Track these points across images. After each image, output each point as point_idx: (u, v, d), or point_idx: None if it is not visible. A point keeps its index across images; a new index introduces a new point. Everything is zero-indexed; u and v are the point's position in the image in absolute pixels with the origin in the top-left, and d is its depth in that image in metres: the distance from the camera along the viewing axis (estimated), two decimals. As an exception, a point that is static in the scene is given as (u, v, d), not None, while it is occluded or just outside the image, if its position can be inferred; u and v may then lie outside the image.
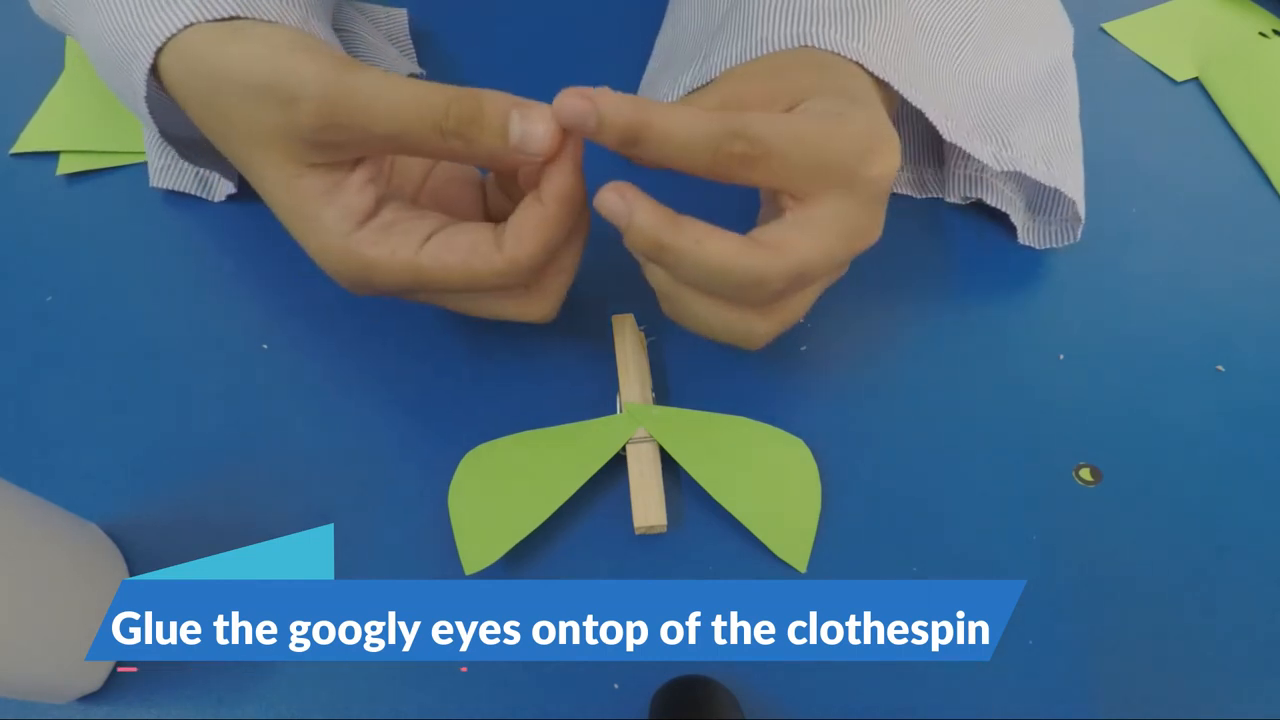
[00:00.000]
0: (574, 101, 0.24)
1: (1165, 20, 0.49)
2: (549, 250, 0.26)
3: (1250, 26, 0.48)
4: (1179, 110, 0.44)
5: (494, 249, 0.26)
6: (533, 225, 0.26)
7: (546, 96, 0.42)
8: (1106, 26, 0.48)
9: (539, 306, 0.28)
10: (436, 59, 0.43)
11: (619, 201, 0.25)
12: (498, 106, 0.25)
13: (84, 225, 0.37)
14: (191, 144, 0.34)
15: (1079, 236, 0.36)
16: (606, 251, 0.36)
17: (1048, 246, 0.37)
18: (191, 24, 0.26)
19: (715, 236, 0.25)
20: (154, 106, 0.30)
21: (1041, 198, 0.37)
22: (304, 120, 0.24)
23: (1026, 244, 0.37)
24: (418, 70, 0.41)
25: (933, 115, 0.31)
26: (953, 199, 0.38)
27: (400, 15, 0.44)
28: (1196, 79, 0.45)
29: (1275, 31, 0.48)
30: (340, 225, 0.26)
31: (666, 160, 0.25)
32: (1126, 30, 0.48)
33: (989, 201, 0.37)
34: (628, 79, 0.43)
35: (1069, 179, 0.34)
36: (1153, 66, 0.46)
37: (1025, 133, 0.35)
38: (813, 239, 0.25)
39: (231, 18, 0.27)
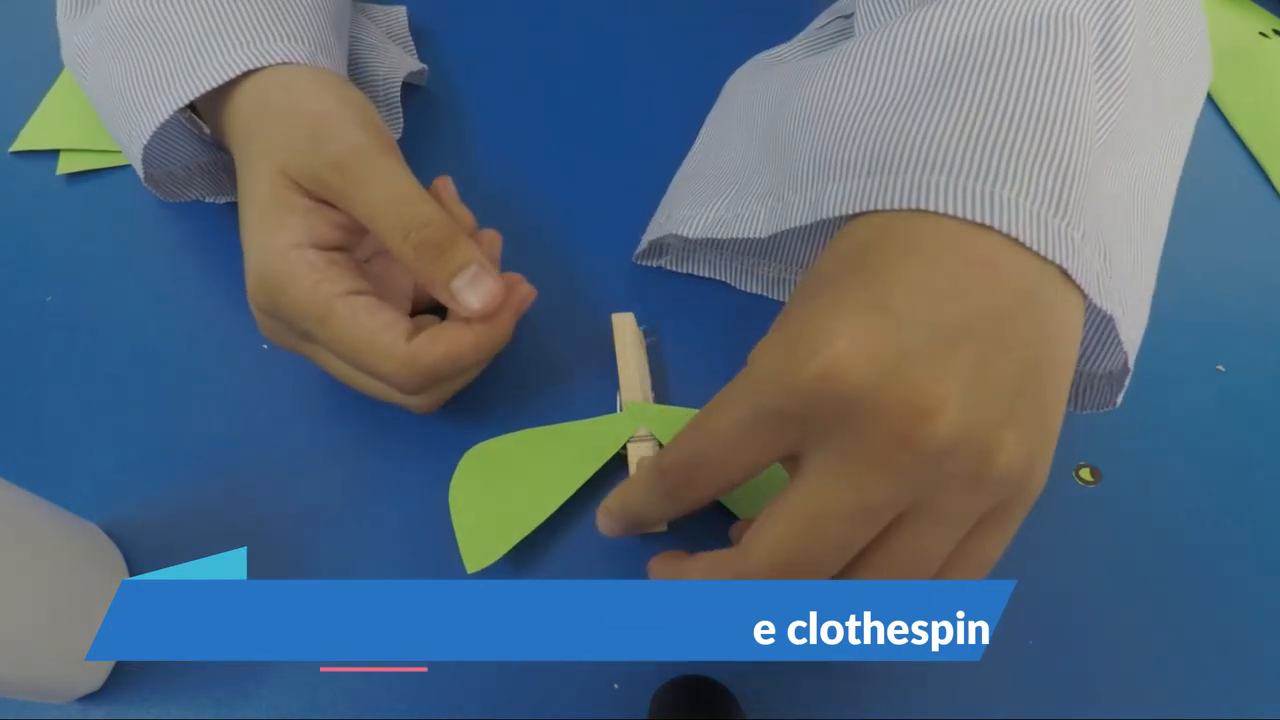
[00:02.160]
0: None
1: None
2: (453, 367, 0.27)
3: (1250, 26, 0.48)
4: (1179, 110, 0.44)
5: (402, 339, 0.26)
6: (449, 338, 0.26)
7: (543, 88, 0.42)
8: (1106, 26, 0.48)
9: (419, 401, 0.28)
10: (435, 55, 0.43)
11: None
12: (463, 254, 0.26)
13: (84, 225, 0.37)
14: (176, 179, 0.36)
15: (1118, 401, 0.27)
16: (606, 252, 0.36)
17: (1083, 411, 0.29)
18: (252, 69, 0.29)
19: (695, 567, 0.23)
20: (167, 138, 0.33)
21: (1085, 349, 0.27)
22: (318, 161, 0.26)
23: (1082, 412, 0.30)
24: (420, 66, 0.41)
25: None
26: None
27: (399, 12, 0.44)
28: (1196, 79, 0.45)
29: (1275, 31, 0.48)
30: (294, 236, 0.26)
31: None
32: (1126, 30, 0.48)
33: None
34: (622, 72, 0.43)
35: (1135, 329, 0.24)
36: (1153, 66, 0.46)
37: (1119, 254, 0.23)
38: (769, 520, 0.21)
39: (250, 71, 0.29)
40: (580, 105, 0.42)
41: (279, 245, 0.26)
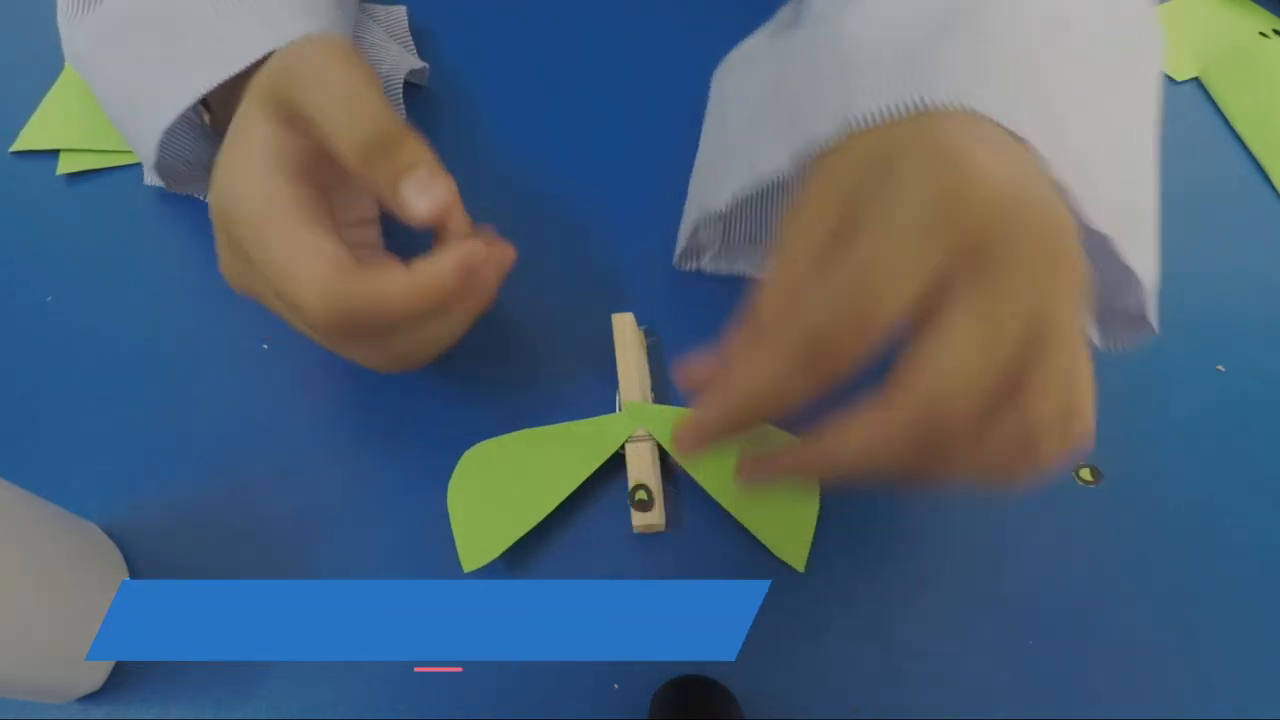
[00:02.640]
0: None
1: (1165, 20, 0.49)
2: (377, 313, 0.24)
3: (1250, 26, 0.48)
4: (1179, 110, 0.44)
5: (329, 268, 0.24)
6: (380, 280, 0.24)
7: (544, 87, 0.42)
8: (1106, 26, 0.48)
9: (362, 353, 0.26)
10: (435, 54, 0.43)
11: (758, 473, 0.23)
12: (412, 153, 0.25)
13: (84, 225, 0.37)
14: (178, 175, 0.35)
15: (1156, 328, 0.28)
16: (606, 252, 0.36)
17: (1109, 348, 0.31)
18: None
19: (852, 426, 0.20)
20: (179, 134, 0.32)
21: (1103, 286, 0.28)
22: (277, 73, 0.26)
23: (1108, 349, 0.31)
24: (421, 64, 0.41)
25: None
26: None
27: (400, 12, 0.44)
28: (1196, 79, 0.45)
29: (1275, 31, 0.48)
30: (255, 143, 0.25)
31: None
32: (1126, 30, 0.48)
33: None
34: (623, 71, 0.43)
35: (1139, 255, 0.26)
36: (1153, 66, 0.46)
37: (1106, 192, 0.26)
38: (933, 347, 0.19)
39: (266, 56, 0.28)
40: (581, 104, 0.42)
41: (239, 153, 0.25)
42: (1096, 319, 0.30)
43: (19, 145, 0.40)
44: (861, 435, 0.20)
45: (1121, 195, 0.26)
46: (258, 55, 0.28)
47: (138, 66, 0.30)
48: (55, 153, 0.39)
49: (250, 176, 0.25)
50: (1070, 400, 0.20)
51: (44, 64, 0.42)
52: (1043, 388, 0.19)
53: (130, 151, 0.39)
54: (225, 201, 0.25)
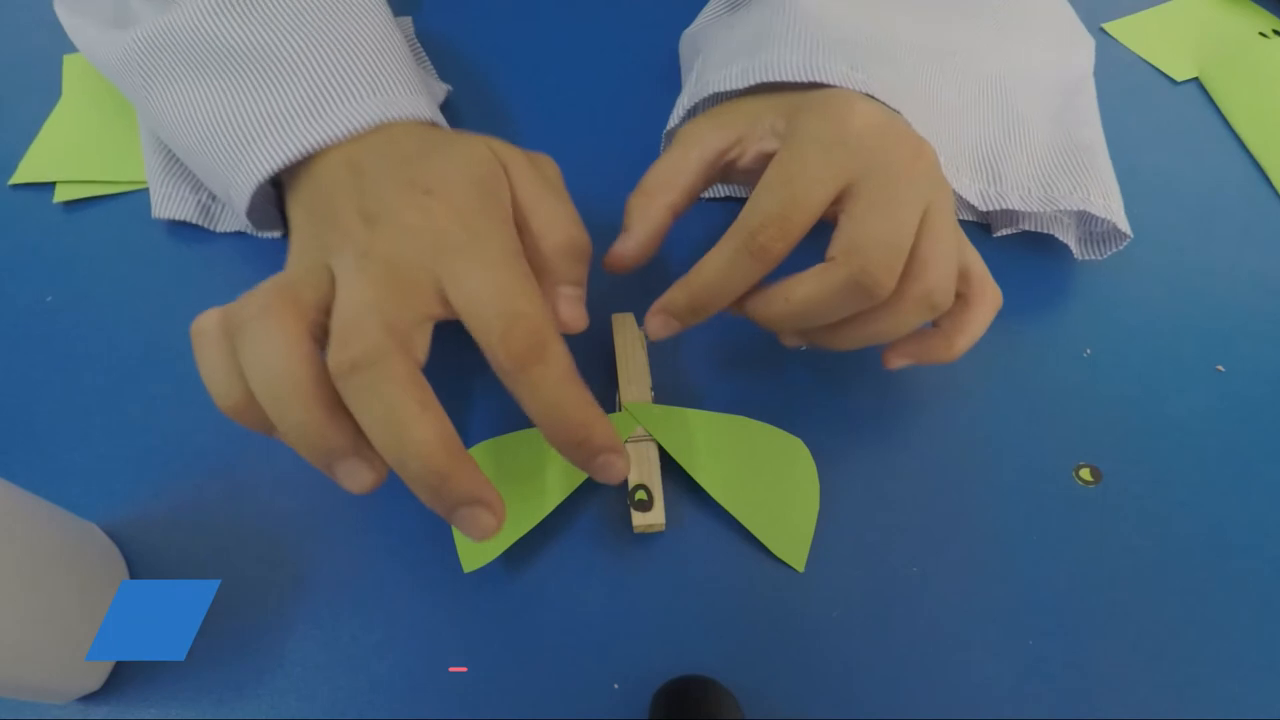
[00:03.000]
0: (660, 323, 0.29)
1: (1165, 20, 0.49)
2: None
3: (1250, 26, 0.48)
4: (1179, 110, 0.44)
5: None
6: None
7: (543, 89, 0.42)
8: (1106, 26, 0.48)
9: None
10: (436, 57, 0.43)
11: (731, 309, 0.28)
12: (584, 271, 0.28)
13: (83, 245, 0.37)
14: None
15: (1126, 229, 0.35)
16: (605, 252, 0.36)
17: (1090, 257, 0.37)
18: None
19: (799, 281, 0.26)
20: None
21: (1087, 217, 0.36)
22: (533, 167, 0.29)
23: (1084, 259, 0.37)
24: (445, 87, 0.41)
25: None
26: (998, 233, 0.38)
27: (405, 23, 0.44)
28: (1196, 79, 0.46)
29: (1275, 31, 0.48)
30: (506, 213, 0.27)
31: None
32: (1126, 30, 0.48)
33: (1035, 229, 0.37)
34: (625, 74, 0.43)
35: (1075, 196, 0.35)
36: (1153, 66, 0.46)
37: (1021, 160, 0.35)
38: (853, 230, 0.25)
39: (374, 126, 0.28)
40: (581, 105, 0.42)
41: (485, 194, 0.26)
42: (1079, 239, 0.37)
43: (17, 178, 0.39)
44: (806, 288, 0.26)
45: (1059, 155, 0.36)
46: (376, 121, 0.28)
47: (226, 99, 0.29)
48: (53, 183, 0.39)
49: (500, 215, 0.26)
50: (963, 264, 0.28)
51: (41, 92, 0.41)
52: (936, 259, 0.26)
53: (127, 181, 0.38)
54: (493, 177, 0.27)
